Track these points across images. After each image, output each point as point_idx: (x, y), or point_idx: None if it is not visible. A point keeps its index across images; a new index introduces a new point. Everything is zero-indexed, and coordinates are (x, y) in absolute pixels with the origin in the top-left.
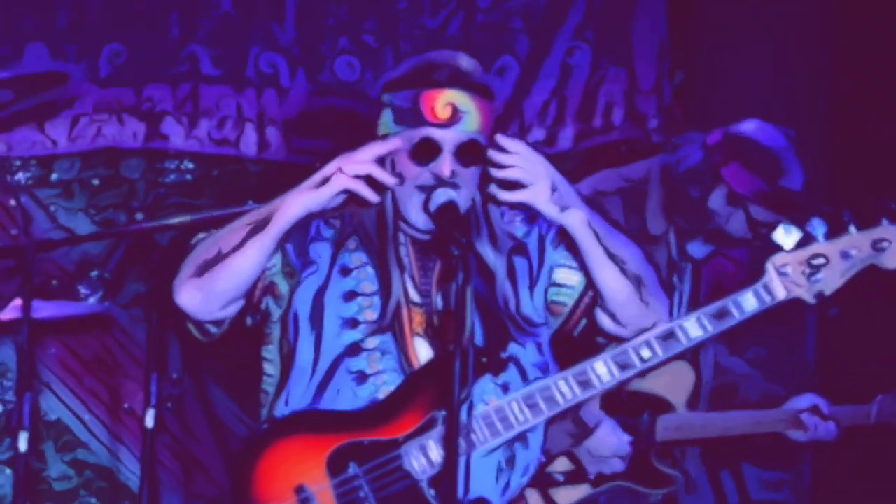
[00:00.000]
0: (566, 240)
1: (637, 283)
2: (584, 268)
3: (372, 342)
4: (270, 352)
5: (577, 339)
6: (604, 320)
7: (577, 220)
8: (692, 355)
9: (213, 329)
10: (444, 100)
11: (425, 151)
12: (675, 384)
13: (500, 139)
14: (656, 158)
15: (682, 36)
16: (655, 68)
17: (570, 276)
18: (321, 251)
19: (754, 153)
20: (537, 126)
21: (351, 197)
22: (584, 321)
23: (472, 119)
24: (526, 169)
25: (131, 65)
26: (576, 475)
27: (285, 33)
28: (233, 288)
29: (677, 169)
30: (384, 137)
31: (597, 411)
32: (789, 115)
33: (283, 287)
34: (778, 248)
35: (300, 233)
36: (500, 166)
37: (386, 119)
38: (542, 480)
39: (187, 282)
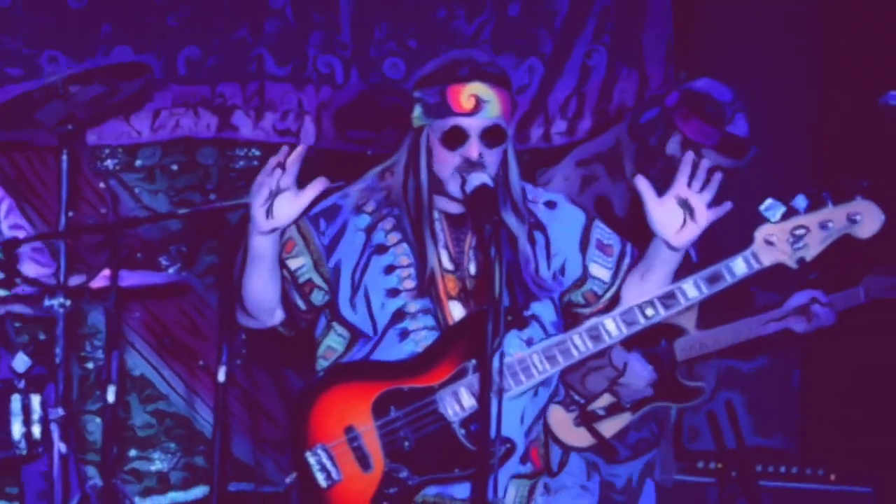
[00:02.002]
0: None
1: None
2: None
3: (413, 306)
4: (338, 326)
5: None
6: None
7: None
8: None
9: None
10: (467, 92)
11: (454, 138)
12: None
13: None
14: (621, 124)
15: (686, 40)
16: (663, 69)
17: (603, 272)
18: (352, 240)
19: (705, 105)
20: (559, 119)
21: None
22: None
23: (493, 107)
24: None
25: (205, 65)
26: (615, 407)
27: (340, 38)
28: (257, 309)
29: (637, 122)
30: (419, 129)
31: (622, 353)
32: (778, 110)
33: (318, 280)
34: (765, 220)
35: (333, 233)
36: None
37: (418, 112)
38: (588, 417)
39: (237, 306)
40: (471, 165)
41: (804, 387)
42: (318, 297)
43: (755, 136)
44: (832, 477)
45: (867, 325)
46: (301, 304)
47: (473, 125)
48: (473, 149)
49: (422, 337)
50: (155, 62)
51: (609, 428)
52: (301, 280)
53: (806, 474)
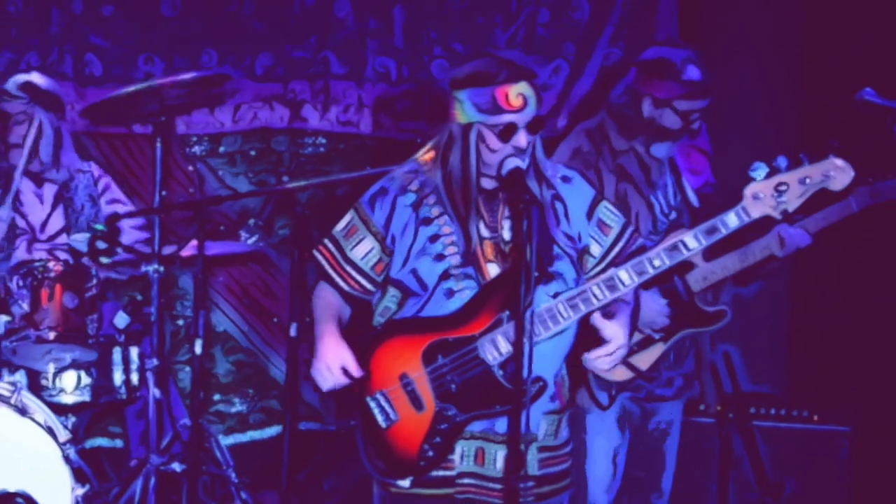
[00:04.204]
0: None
1: None
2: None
3: (457, 269)
4: (391, 288)
5: None
6: None
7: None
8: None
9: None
10: (514, 92)
11: (509, 132)
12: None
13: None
14: (603, 108)
15: (689, 42)
16: None
17: (596, 249)
18: (401, 215)
19: (659, 67)
20: None
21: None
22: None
23: (534, 101)
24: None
25: (279, 66)
26: (647, 340)
27: (394, 43)
28: None
29: (612, 102)
30: (467, 126)
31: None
32: (772, 105)
33: (385, 258)
34: (751, 179)
35: (386, 212)
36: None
37: (468, 111)
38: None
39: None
40: (519, 153)
41: (790, 342)
42: (384, 275)
43: (752, 129)
44: (815, 418)
45: (848, 279)
46: (371, 286)
47: (522, 119)
48: (523, 138)
49: (465, 295)
50: (237, 63)
51: (645, 360)
52: (372, 263)
53: (793, 415)
